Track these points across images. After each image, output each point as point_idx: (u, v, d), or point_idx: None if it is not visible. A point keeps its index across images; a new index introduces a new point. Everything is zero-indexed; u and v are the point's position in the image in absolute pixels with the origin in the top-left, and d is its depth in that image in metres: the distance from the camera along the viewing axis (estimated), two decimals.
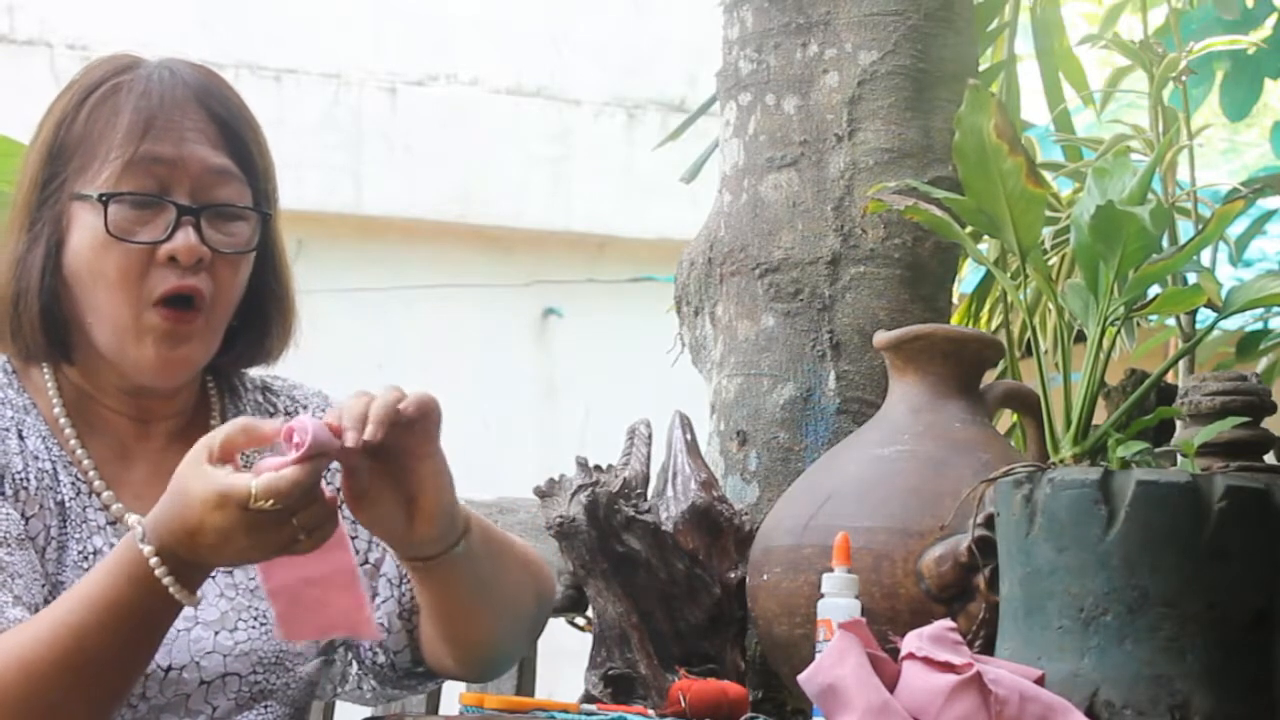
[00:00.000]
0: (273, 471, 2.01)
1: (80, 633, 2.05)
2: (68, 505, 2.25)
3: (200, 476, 2.03)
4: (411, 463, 2.13)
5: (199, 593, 2.08)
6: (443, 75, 8.73)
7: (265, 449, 2.11)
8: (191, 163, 2.27)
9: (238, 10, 8.35)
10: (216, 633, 2.26)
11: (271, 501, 1.99)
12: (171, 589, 2.05)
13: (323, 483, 2.06)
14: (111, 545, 2.24)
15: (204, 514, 2.02)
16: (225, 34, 8.26)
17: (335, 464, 2.10)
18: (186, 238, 2.25)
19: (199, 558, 2.05)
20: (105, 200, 2.25)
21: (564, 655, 2.97)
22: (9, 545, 2.18)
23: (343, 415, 2.07)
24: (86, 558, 2.24)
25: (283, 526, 2.02)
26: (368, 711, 2.45)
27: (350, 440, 2.05)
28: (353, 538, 2.34)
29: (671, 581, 2.53)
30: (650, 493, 2.58)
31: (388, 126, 8.60)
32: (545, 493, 2.54)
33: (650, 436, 2.61)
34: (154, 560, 2.04)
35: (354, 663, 2.40)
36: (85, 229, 2.26)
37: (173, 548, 2.04)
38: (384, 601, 2.36)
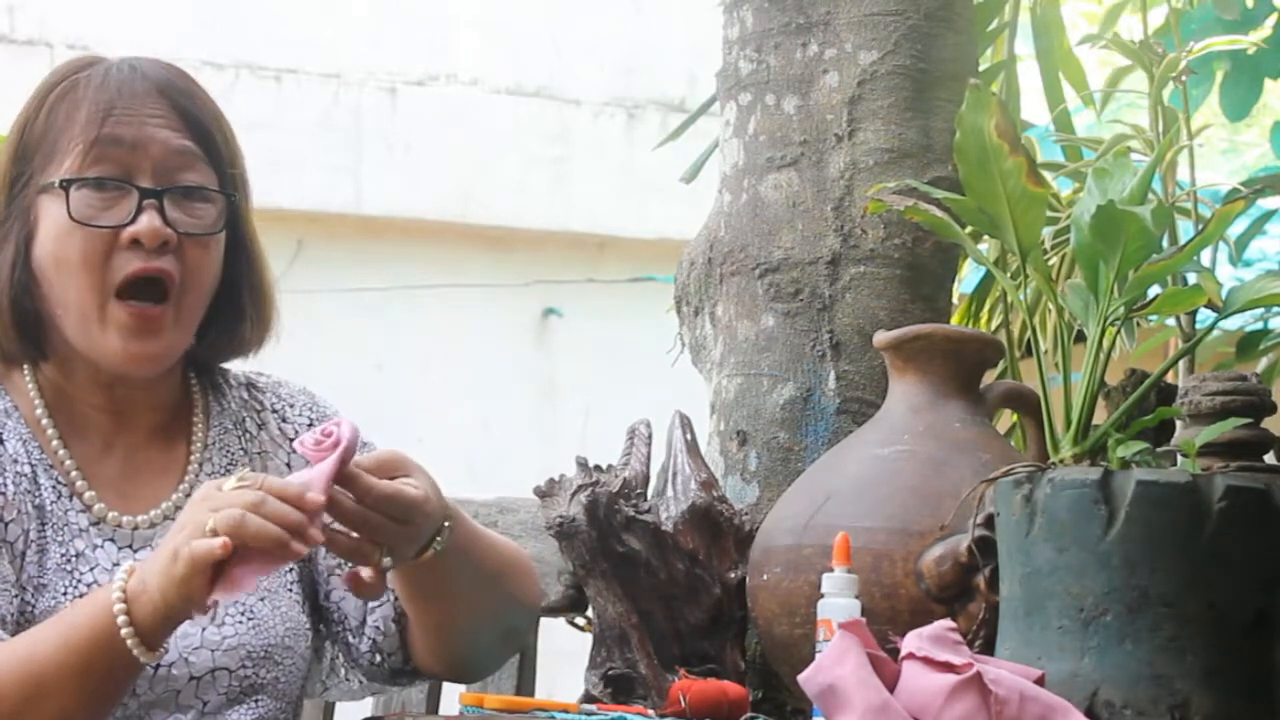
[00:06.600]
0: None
1: (40, 667, 2.05)
2: (48, 509, 2.25)
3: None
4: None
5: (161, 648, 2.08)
6: (443, 75, 8.72)
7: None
8: (152, 145, 2.27)
9: (238, 10, 8.35)
10: (204, 628, 2.26)
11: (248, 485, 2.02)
12: (124, 631, 2.03)
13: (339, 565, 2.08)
14: (94, 547, 2.25)
15: (185, 513, 2.04)
16: (225, 34, 8.26)
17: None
18: (150, 220, 2.25)
19: (156, 578, 2.03)
20: (66, 186, 2.25)
21: (564, 655, 2.97)
22: None
23: (358, 475, 2.10)
24: (69, 560, 2.23)
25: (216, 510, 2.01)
26: (367, 710, 2.45)
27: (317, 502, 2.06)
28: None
29: (671, 581, 2.53)
30: (650, 493, 2.57)
31: (388, 126, 8.60)
32: (545, 493, 2.54)
33: (650, 436, 2.60)
34: (117, 594, 2.04)
35: (340, 654, 2.40)
36: (50, 219, 2.26)
37: (142, 576, 2.04)
38: (379, 606, 2.37)
